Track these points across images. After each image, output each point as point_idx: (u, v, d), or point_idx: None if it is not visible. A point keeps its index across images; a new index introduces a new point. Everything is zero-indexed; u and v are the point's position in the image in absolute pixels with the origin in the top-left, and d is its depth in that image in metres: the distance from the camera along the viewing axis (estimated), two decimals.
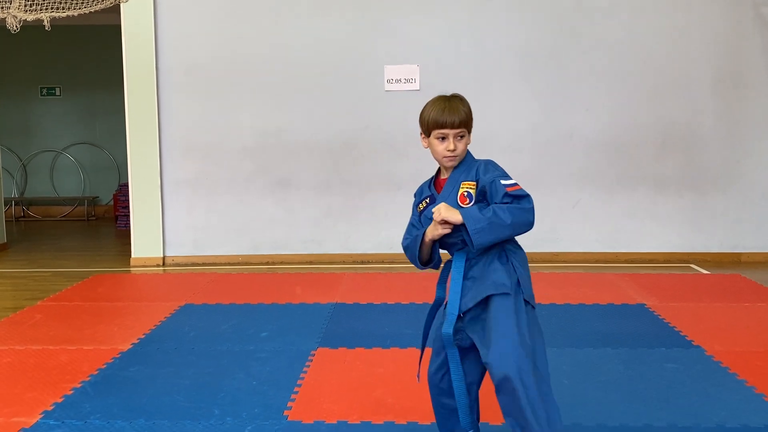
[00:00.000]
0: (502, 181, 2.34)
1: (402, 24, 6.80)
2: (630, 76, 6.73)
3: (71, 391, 3.40)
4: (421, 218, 2.52)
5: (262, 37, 6.82)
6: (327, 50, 6.80)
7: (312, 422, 3.03)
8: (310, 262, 6.89)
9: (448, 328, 2.38)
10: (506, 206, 2.29)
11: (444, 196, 2.43)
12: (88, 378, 3.58)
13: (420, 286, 5.53)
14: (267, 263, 6.90)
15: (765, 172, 6.76)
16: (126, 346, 4.11)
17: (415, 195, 2.61)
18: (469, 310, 2.37)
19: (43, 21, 6.06)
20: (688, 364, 3.70)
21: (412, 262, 2.53)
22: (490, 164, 2.45)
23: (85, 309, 5.04)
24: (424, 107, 2.49)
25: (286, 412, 3.13)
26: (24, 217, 11.16)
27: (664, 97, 6.73)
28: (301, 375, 3.60)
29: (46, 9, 6.05)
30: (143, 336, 4.32)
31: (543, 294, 4.89)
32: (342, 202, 6.93)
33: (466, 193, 2.41)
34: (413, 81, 6.79)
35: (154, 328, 4.50)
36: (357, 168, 6.89)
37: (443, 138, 2.42)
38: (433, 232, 2.40)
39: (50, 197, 11.32)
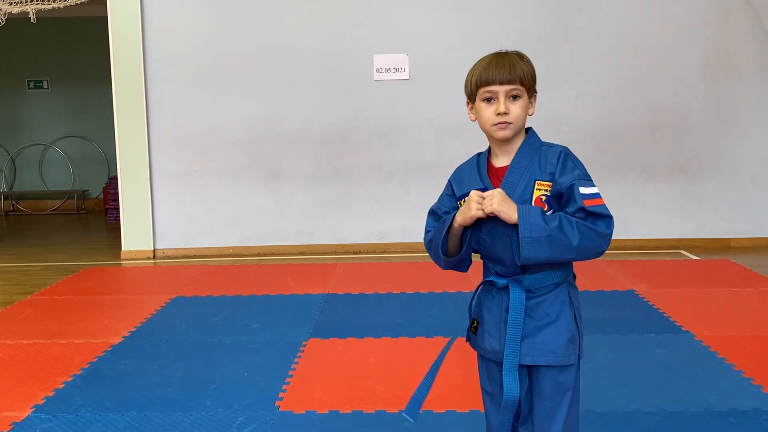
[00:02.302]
0: (582, 189, 1.80)
1: (390, 12, 6.77)
2: (619, 64, 6.73)
3: (62, 385, 3.40)
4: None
5: (251, 27, 6.78)
6: (316, 39, 6.77)
7: (304, 412, 3.04)
8: (302, 253, 6.88)
9: (513, 389, 1.86)
10: (577, 222, 1.76)
11: (509, 194, 1.82)
12: (79, 371, 3.58)
13: (411, 276, 5.54)
14: (258, 255, 6.89)
15: (754, 158, 6.79)
16: (117, 340, 4.10)
17: (451, 181, 1.97)
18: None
19: (28, 13, 6.02)
20: (678, 350, 3.73)
21: (435, 259, 1.96)
22: (569, 158, 1.89)
23: (75, 303, 5.03)
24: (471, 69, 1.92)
25: (277, 403, 3.14)
26: (13, 211, 11.09)
27: (653, 83, 6.73)
28: (293, 366, 3.61)
29: (32, 1, 6.01)
30: (134, 329, 4.31)
31: None
32: (333, 192, 6.91)
33: (544, 198, 1.83)
34: (402, 70, 6.77)
35: (145, 320, 4.49)
36: (348, 158, 6.88)
37: (490, 99, 1.85)
38: (466, 214, 1.82)
39: (40, 191, 11.25)
